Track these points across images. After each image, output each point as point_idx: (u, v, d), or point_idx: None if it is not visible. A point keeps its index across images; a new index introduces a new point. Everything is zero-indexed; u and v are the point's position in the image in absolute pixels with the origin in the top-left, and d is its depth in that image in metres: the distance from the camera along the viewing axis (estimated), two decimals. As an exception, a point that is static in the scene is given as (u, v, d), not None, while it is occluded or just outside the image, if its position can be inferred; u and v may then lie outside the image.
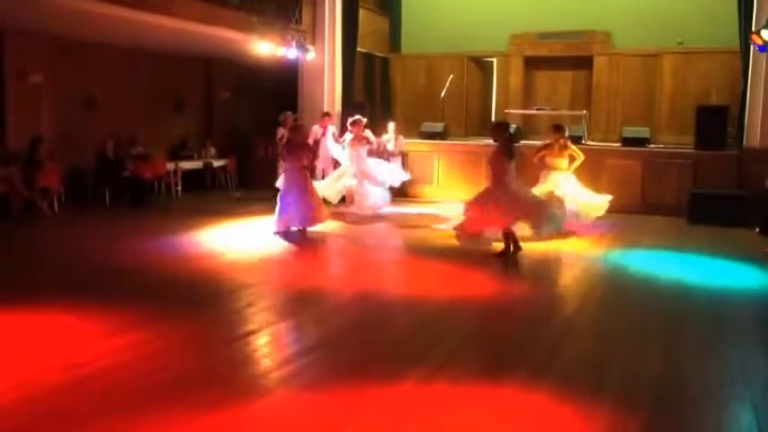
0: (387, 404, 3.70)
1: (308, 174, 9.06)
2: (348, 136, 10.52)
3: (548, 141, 9.51)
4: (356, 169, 10.24)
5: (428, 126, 12.95)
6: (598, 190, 11.34)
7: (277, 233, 8.49)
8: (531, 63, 14.20)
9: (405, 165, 12.18)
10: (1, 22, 9.73)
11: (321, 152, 11.97)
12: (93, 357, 4.21)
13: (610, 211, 10.91)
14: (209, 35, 10.53)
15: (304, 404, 3.70)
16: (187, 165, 12.72)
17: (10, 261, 7.17)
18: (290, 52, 11.59)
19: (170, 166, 12.20)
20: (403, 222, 9.94)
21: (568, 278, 6.95)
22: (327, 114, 12.18)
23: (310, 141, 11.94)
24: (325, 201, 9.37)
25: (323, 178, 12.04)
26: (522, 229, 7.44)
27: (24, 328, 4.85)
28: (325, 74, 13.06)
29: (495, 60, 14.73)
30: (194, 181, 12.86)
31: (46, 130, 10.40)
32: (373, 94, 14.96)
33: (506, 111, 13.92)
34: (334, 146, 11.20)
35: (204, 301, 5.76)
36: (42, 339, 4.62)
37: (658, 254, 8.05)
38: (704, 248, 8.32)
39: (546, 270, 7.28)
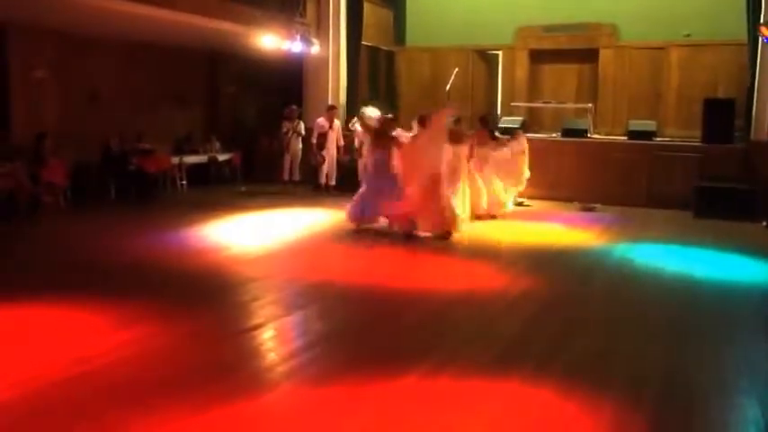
0: (391, 398, 3.69)
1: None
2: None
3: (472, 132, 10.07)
4: None
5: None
6: (604, 183, 11.36)
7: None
8: (537, 56, 14.13)
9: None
10: (5, 19, 9.73)
11: (327, 144, 11.97)
12: (98, 352, 4.22)
13: (616, 204, 10.94)
14: (213, 29, 10.51)
15: (309, 398, 3.69)
16: (192, 159, 12.73)
17: (16, 257, 7.18)
18: (294, 46, 11.56)
19: (174, 160, 12.21)
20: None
21: (574, 272, 6.93)
22: (333, 107, 12.17)
23: (316, 134, 11.97)
24: None
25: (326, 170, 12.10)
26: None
27: (31, 324, 4.87)
28: (329, 67, 13.04)
29: (500, 53, 14.66)
30: (199, 175, 12.86)
31: (51, 125, 10.40)
32: (378, 87, 14.92)
33: (512, 104, 13.90)
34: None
35: (210, 295, 5.76)
36: (48, 334, 4.63)
37: (664, 248, 8.02)
38: (710, 242, 8.28)
39: (551, 264, 7.26)
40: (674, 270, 6.88)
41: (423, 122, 8.32)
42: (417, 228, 8.15)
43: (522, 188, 10.74)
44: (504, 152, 10.12)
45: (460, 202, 8.72)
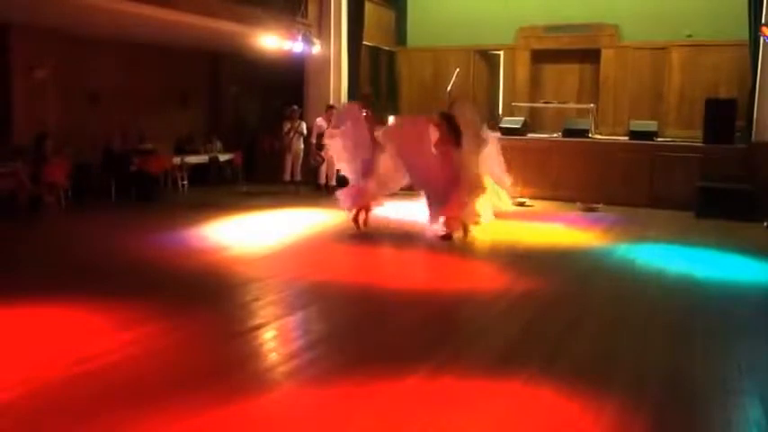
0: (393, 398, 3.69)
1: None
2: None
3: None
4: None
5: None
6: (605, 184, 11.36)
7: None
8: (539, 56, 14.13)
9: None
10: (7, 18, 9.75)
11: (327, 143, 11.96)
12: (100, 352, 4.22)
13: (618, 204, 10.94)
14: (214, 29, 10.51)
15: (310, 398, 3.69)
16: (193, 159, 12.74)
17: (17, 256, 7.19)
18: (296, 46, 11.57)
19: (176, 160, 12.22)
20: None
21: (575, 272, 6.92)
22: (331, 107, 12.14)
23: (315, 134, 11.97)
24: None
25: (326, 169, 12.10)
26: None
27: (32, 323, 4.87)
28: (331, 67, 13.04)
29: (501, 53, 14.67)
30: (200, 175, 12.88)
31: (52, 125, 10.41)
32: (379, 87, 14.92)
33: (513, 104, 13.89)
34: None
35: (211, 295, 5.77)
36: (49, 334, 4.63)
37: (666, 248, 8.01)
38: (712, 243, 8.28)
39: (553, 264, 7.26)
40: (675, 270, 6.87)
41: (450, 121, 8.07)
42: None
43: (509, 182, 10.61)
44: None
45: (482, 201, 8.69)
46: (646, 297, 5.96)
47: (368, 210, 8.77)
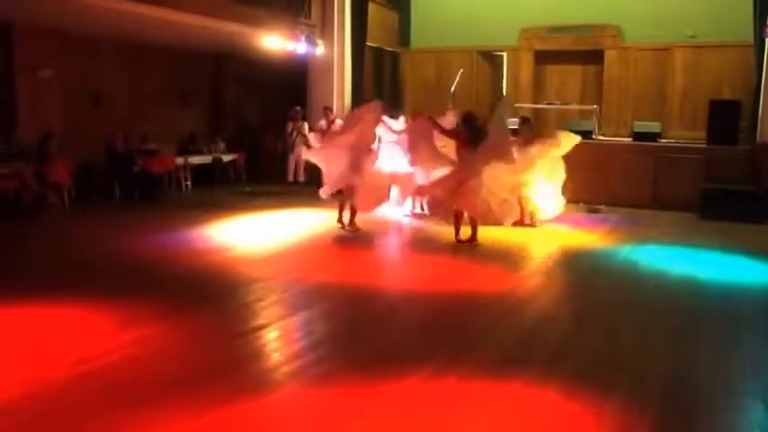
0: (396, 399, 3.68)
1: None
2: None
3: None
4: None
5: (439, 120, 12.86)
6: (609, 185, 11.33)
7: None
8: (541, 57, 14.11)
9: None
10: (10, 18, 9.77)
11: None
12: (102, 352, 4.23)
13: (621, 205, 10.91)
14: (217, 30, 10.52)
15: (314, 398, 3.69)
16: (196, 159, 12.75)
17: (21, 256, 7.21)
18: (299, 47, 11.57)
19: (179, 160, 12.23)
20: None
21: (578, 273, 6.91)
22: (326, 108, 12.06)
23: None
24: None
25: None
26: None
27: (35, 323, 4.88)
28: (334, 68, 13.03)
29: (505, 54, 14.66)
30: (203, 176, 12.89)
31: (56, 125, 10.43)
32: (383, 88, 14.92)
33: (516, 105, 13.86)
34: None
35: (214, 295, 5.76)
36: (53, 334, 4.64)
37: (669, 249, 7.99)
38: (716, 244, 8.25)
39: (556, 265, 7.24)
40: (679, 272, 6.85)
41: (470, 120, 8.07)
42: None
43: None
44: None
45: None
46: (648, 299, 5.94)
47: (353, 210, 8.78)
